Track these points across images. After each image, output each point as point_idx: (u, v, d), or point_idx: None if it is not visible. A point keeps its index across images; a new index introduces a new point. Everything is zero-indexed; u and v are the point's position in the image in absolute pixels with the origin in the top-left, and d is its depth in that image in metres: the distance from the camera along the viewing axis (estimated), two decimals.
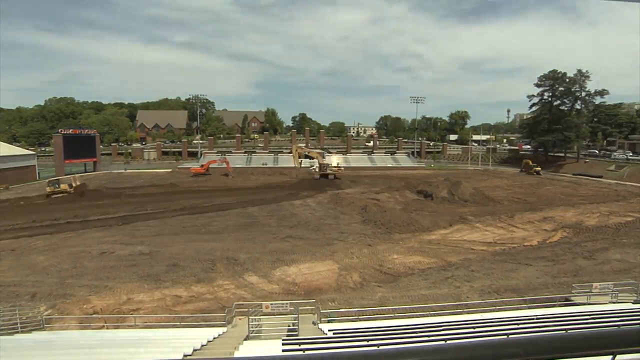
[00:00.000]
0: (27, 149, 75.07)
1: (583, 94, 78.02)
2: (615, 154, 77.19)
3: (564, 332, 8.14)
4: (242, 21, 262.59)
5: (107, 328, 15.92)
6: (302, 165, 78.90)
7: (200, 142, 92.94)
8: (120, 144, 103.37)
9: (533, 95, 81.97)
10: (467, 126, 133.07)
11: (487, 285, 20.83)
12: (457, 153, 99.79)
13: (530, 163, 72.87)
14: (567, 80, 77.45)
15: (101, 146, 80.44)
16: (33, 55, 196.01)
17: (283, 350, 8.84)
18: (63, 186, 47.94)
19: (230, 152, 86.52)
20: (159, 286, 20.25)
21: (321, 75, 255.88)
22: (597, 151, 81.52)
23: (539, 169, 71.06)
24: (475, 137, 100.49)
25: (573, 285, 18.94)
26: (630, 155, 72.07)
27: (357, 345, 9.25)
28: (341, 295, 19.67)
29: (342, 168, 68.37)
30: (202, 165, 69.98)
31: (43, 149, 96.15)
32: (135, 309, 17.66)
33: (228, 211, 38.71)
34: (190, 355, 9.32)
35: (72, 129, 75.04)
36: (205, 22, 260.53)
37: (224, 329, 14.69)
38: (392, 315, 16.20)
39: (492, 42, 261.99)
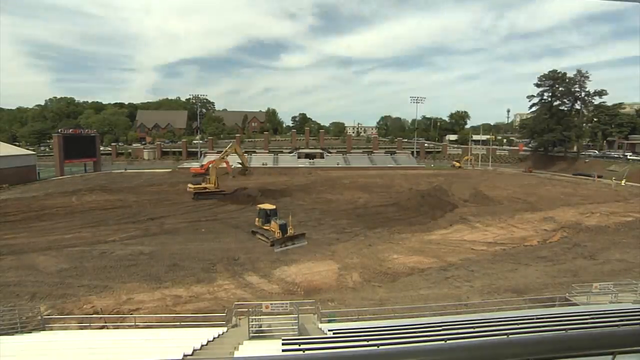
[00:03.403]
0: (27, 149, 75.09)
1: (583, 94, 78.11)
2: (612, 153, 77.43)
3: (564, 332, 8.14)
4: None
5: (107, 328, 15.91)
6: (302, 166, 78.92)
7: (200, 142, 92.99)
8: (120, 144, 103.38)
9: (533, 96, 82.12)
10: (467, 126, 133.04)
11: (487, 285, 20.83)
12: (457, 153, 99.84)
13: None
14: (567, 80, 77.50)
15: (101, 146, 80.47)
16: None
17: (283, 350, 8.83)
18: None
19: None
20: (159, 286, 20.26)
21: None
22: (596, 151, 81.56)
23: None
24: (475, 137, 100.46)
25: (573, 285, 18.95)
26: (631, 155, 72.03)
27: (357, 345, 9.24)
28: (341, 295, 19.67)
29: (204, 184, 47.37)
30: (201, 166, 69.97)
31: (43, 149, 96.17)
32: (135, 309, 17.67)
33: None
34: (190, 355, 9.32)
35: (72, 129, 75.13)
36: None
37: (224, 329, 14.69)
38: (392, 315, 16.20)
39: None
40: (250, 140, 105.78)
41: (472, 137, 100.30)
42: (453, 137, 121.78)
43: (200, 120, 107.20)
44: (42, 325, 15.77)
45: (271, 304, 16.02)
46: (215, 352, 10.75)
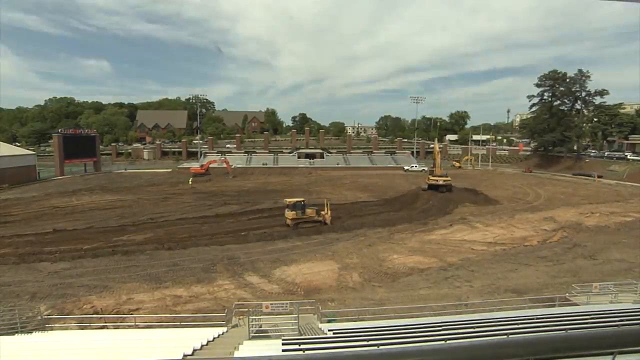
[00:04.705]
0: (27, 149, 75.10)
1: (583, 94, 78.08)
2: (607, 153, 77.73)
3: (564, 332, 8.14)
4: None
5: (107, 328, 15.91)
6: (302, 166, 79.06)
7: (200, 142, 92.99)
8: (120, 144, 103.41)
9: (533, 96, 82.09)
10: (467, 126, 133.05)
11: (487, 285, 20.83)
12: (457, 153, 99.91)
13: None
14: (568, 80, 77.47)
15: (101, 146, 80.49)
16: None
17: (283, 350, 8.82)
18: None
19: (230, 152, 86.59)
20: (159, 286, 20.26)
21: None
22: (596, 151, 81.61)
23: None
24: (475, 137, 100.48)
25: (573, 285, 18.94)
26: (631, 155, 72.03)
27: (357, 345, 9.24)
28: (341, 295, 19.67)
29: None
30: (201, 166, 70.03)
31: (43, 149, 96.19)
32: (136, 309, 17.67)
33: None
34: (190, 355, 9.31)
35: (72, 129, 75.17)
36: None
37: (224, 329, 14.68)
38: (392, 315, 16.19)
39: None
40: (250, 140, 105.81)
41: (472, 137, 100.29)
42: (453, 137, 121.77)
43: (200, 120, 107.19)
44: (42, 325, 15.77)
45: (271, 304, 16.01)
46: (215, 352, 10.74)
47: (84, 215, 36.75)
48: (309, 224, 32.17)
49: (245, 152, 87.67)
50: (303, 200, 33.26)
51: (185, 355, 8.97)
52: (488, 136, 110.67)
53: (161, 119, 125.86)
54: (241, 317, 16.75)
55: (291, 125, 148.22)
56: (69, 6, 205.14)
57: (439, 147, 53.94)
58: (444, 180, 47.50)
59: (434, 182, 47.86)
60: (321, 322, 15.46)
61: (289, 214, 32.08)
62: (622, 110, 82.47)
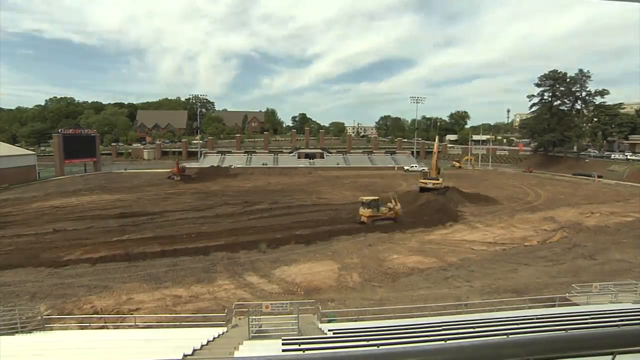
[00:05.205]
0: (27, 149, 75.09)
1: (583, 93, 78.13)
2: (606, 153, 77.98)
3: (564, 332, 8.13)
4: None
5: (107, 328, 15.91)
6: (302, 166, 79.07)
7: (200, 142, 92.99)
8: (120, 144, 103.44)
9: (533, 95, 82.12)
10: (467, 126, 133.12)
11: (487, 285, 20.82)
12: (457, 153, 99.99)
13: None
14: (568, 80, 77.51)
15: (101, 146, 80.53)
16: None
17: (283, 350, 8.83)
18: None
19: (230, 152, 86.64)
20: (159, 286, 20.26)
21: None
22: (596, 151, 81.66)
23: None
24: (475, 137, 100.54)
25: (573, 285, 18.93)
26: (631, 155, 72.07)
27: (357, 345, 9.24)
28: (341, 295, 19.67)
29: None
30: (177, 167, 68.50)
31: (43, 149, 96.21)
32: (136, 309, 17.66)
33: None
34: (190, 355, 9.31)
35: (72, 129, 75.22)
36: None
37: (224, 329, 14.69)
38: (392, 315, 16.19)
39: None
40: (250, 140, 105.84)
41: (472, 137, 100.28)
42: (453, 137, 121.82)
43: (200, 120, 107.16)
44: (42, 325, 15.77)
45: (271, 304, 16.01)
46: (215, 352, 10.73)
47: (84, 215, 36.75)
48: None
49: (245, 152, 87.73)
50: None
51: (185, 355, 8.97)
52: (488, 136, 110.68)
53: (161, 119, 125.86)
54: (241, 317, 16.74)
55: (291, 125, 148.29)
56: None
57: (439, 148, 53.14)
58: (434, 184, 46.45)
59: (423, 184, 47.28)
60: (321, 322, 15.47)
61: None
62: (622, 110, 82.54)
